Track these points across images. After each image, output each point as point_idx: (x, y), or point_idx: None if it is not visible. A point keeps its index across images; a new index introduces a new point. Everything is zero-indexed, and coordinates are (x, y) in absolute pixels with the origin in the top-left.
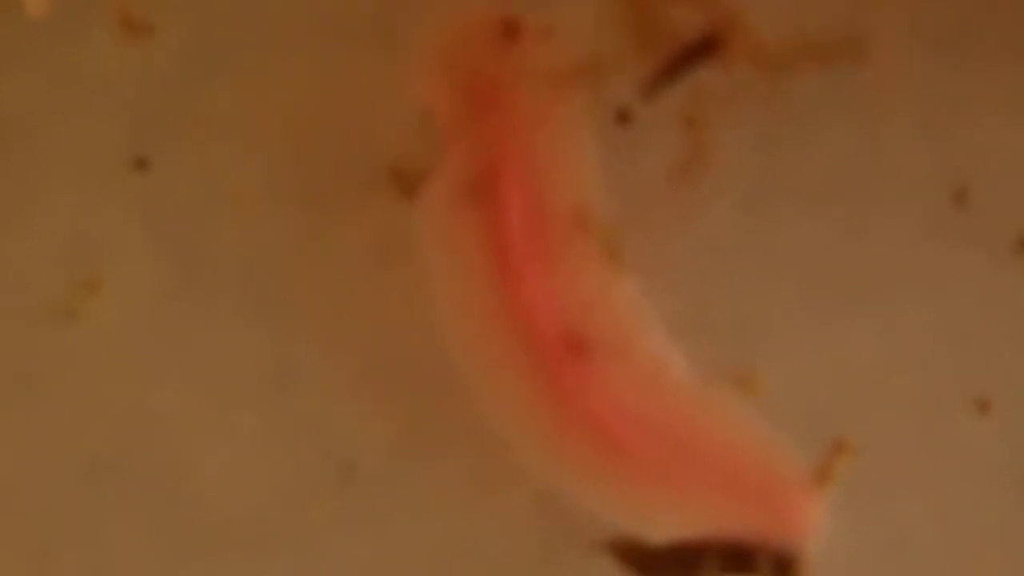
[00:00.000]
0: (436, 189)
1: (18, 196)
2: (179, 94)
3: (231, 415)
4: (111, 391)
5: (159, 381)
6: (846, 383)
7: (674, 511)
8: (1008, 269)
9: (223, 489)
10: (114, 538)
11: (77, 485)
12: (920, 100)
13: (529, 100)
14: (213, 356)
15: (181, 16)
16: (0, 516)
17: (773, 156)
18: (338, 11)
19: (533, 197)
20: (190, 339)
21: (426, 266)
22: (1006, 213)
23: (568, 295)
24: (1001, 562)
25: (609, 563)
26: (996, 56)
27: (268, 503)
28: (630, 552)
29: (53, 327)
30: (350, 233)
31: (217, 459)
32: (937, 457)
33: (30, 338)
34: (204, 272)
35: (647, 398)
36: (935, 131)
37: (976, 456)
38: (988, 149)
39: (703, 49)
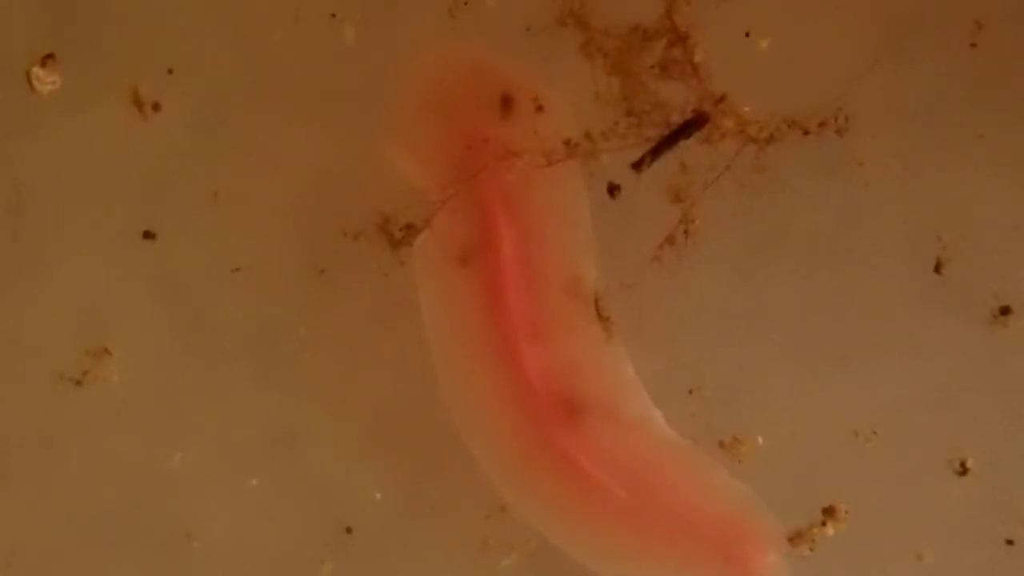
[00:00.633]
0: (431, 251)
1: (30, 266)
2: (184, 168)
3: (236, 477)
4: (120, 454)
5: (167, 444)
6: (830, 445)
7: (641, 560)
8: (987, 335)
9: (229, 549)
10: None
11: (85, 546)
12: (900, 172)
13: (521, 170)
14: (218, 419)
15: (186, 94)
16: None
17: (758, 225)
18: (337, 85)
19: (527, 263)
20: (196, 403)
21: (424, 326)
22: (985, 282)
23: (561, 358)
24: None
25: None
26: (973, 129)
27: (273, 563)
28: None
29: (64, 392)
30: (350, 298)
31: (223, 520)
32: (918, 518)
33: (42, 402)
34: (209, 338)
35: (632, 457)
36: (915, 202)
37: (955, 518)
38: (966, 220)
39: (691, 126)
